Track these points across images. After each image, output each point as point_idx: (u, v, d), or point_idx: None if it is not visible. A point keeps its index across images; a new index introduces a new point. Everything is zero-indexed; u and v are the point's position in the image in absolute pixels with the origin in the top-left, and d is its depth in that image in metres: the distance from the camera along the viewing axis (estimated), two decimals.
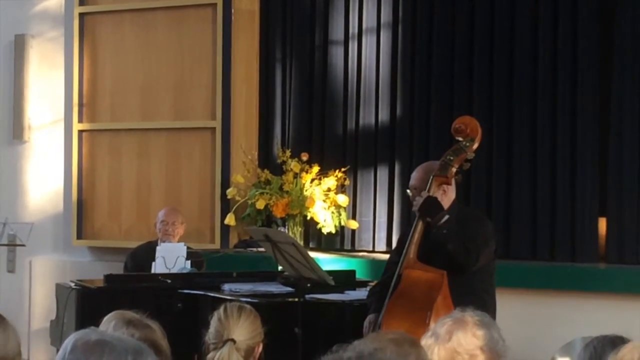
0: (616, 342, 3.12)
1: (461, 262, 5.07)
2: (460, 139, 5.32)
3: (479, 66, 7.62)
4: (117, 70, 8.73)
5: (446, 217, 5.13)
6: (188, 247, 7.13)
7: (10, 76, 9.22)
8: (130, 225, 8.61)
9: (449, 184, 5.28)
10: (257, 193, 8.00)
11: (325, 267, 6.79)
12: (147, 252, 7.10)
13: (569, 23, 7.32)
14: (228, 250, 8.11)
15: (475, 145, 5.31)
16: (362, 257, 7.77)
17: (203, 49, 8.37)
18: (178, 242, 7.26)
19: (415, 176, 5.42)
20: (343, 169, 7.98)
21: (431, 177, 5.26)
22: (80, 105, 8.80)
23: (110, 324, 3.38)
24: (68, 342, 2.14)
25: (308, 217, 7.95)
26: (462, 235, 5.11)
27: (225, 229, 8.19)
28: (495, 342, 3.30)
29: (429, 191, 5.21)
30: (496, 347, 3.30)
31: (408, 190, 5.49)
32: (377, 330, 4.95)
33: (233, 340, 3.83)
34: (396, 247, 5.68)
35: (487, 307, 4.87)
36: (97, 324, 3.36)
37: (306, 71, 8.36)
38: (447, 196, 5.28)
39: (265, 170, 8.15)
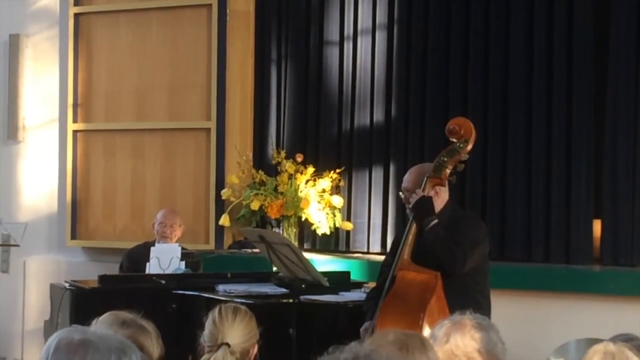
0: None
1: (447, 268, 5.07)
2: (454, 140, 5.31)
3: (474, 67, 7.62)
4: (111, 70, 8.72)
5: (434, 222, 5.13)
6: (183, 248, 7.13)
7: (5, 76, 9.20)
8: (125, 225, 8.60)
9: (442, 185, 5.28)
10: (251, 194, 7.99)
11: (320, 268, 6.79)
12: (144, 252, 7.07)
13: (564, 27, 7.32)
14: (222, 251, 8.11)
15: (469, 147, 5.31)
16: (356, 258, 7.76)
17: (198, 49, 8.36)
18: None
19: (408, 178, 5.41)
20: (338, 170, 7.98)
21: (425, 178, 5.26)
22: (75, 105, 8.78)
23: (104, 325, 3.37)
24: (51, 342, 2.12)
25: (303, 218, 7.94)
26: (449, 240, 5.11)
27: (219, 229, 8.18)
28: (493, 344, 3.30)
29: (423, 191, 5.21)
30: (494, 349, 3.30)
31: (401, 193, 5.48)
32: (370, 333, 4.95)
33: (228, 344, 3.81)
34: (390, 249, 5.67)
35: (481, 308, 4.87)
36: (90, 324, 3.35)
37: (301, 72, 8.36)
38: (440, 198, 5.28)
39: (260, 171, 8.14)
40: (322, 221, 7.92)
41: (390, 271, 5.12)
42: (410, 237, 5.15)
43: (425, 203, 5.17)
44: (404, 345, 2.86)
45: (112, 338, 2.13)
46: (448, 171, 5.26)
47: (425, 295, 4.93)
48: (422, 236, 5.16)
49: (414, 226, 5.18)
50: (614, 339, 3.32)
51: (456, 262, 5.08)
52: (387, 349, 2.78)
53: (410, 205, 5.22)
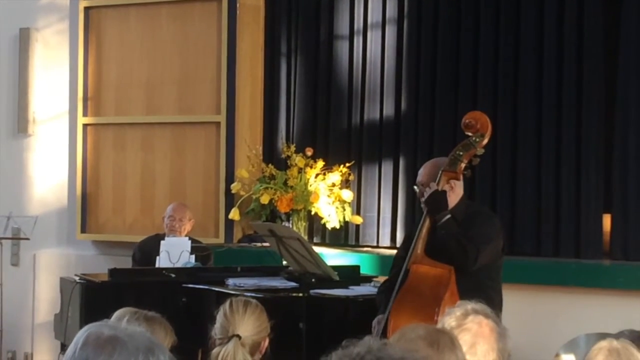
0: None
1: (459, 264, 5.05)
2: (470, 134, 5.29)
3: (484, 61, 7.61)
4: (122, 64, 8.73)
5: (447, 217, 5.11)
6: (194, 240, 7.13)
7: (15, 69, 9.22)
8: (135, 219, 8.61)
9: (457, 179, 5.25)
10: (261, 188, 7.99)
11: (330, 262, 6.79)
12: (155, 243, 7.10)
13: (575, 21, 7.30)
14: (232, 244, 8.11)
15: (485, 141, 5.29)
16: (366, 252, 7.76)
17: (208, 43, 8.36)
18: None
19: (422, 172, 5.39)
20: (347, 164, 7.97)
21: (440, 171, 5.24)
22: (85, 99, 8.80)
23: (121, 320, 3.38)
24: (80, 336, 2.10)
25: (312, 212, 7.95)
26: (461, 235, 5.09)
27: (229, 223, 8.19)
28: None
29: (438, 185, 5.19)
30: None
31: (415, 187, 5.46)
32: (382, 326, 4.95)
33: (238, 336, 3.83)
34: (403, 243, 5.64)
35: (494, 303, 4.85)
36: (101, 318, 3.35)
37: (311, 66, 8.35)
38: (455, 192, 5.25)
39: (270, 165, 8.14)
40: (331, 215, 7.92)
41: (404, 264, 5.11)
42: (424, 231, 5.13)
43: (439, 198, 5.15)
44: (434, 341, 2.83)
45: (142, 337, 2.11)
46: (463, 165, 5.24)
47: (439, 290, 4.92)
48: (435, 231, 5.14)
49: (427, 220, 5.16)
50: (619, 335, 3.31)
51: (468, 258, 5.06)
52: (417, 344, 2.75)
53: (424, 199, 5.21)
